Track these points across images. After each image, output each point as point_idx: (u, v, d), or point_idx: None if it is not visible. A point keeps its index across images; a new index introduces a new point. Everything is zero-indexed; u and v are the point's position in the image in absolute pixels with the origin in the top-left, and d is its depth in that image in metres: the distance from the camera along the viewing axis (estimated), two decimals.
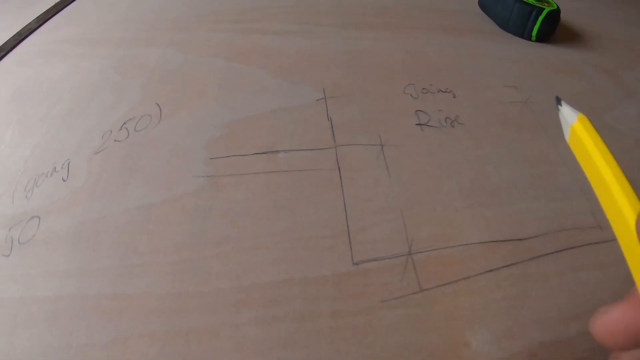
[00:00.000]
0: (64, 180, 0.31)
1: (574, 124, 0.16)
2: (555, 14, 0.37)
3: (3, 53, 0.44)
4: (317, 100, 0.33)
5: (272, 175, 0.27)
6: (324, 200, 0.25)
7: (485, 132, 0.30)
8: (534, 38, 0.39)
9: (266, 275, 0.22)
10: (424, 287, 0.20)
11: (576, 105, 0.17)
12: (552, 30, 0.38)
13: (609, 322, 0.14)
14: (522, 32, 0.39)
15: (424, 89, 0.34)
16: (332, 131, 0.30)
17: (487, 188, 0.24)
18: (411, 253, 0.21)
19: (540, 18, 0.37)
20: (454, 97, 0.34)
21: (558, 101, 0.18)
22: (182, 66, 0.38)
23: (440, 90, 0.35)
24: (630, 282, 0.13)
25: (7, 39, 0.46)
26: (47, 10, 0.49)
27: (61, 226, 0.28)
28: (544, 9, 0.37)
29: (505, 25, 0.41)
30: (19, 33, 0.46)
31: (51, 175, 0.31)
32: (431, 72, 0.36)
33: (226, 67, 0.37)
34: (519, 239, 0.22)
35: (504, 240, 0.22)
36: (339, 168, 0.27)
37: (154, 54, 0.39)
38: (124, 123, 0.33)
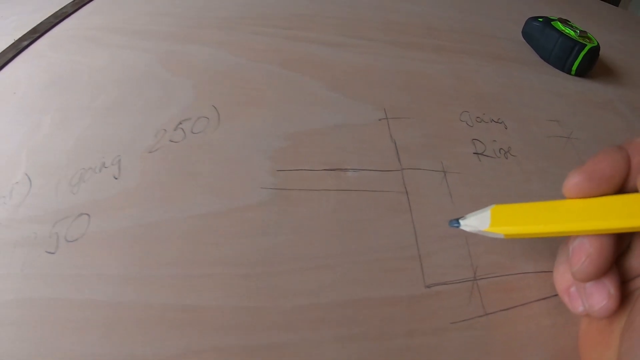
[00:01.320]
0: (116, 178, 0.29)
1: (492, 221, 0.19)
2: (595, 51, 0.39)
3: (36, 35, 0.42)
4: (379, 120, 0.33)
5: (342, 194, 0.27)
6: (394, 223, 0.26)
7: (534, 166, 0.31)
8: (573, 72, 0.40)
9: (344, 294, 0.22)
10: (488, 312, 0.21)
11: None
12: (591, 66, 0.39)
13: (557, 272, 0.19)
14: (563, 65, 0.41)
15: (477, 117, 0.35)
16: (397, 153, 0.30)
17: None
18: (476, 279, 0.22)
19: (582, 54, 0.39)
20: (506, 128, 0.34)
21: (453, 223, 0.20)
22: (233, 69, 0.37)
23: (492, 120, 0.35)
24: None
25: (41, 20, 0.44)
26: None
27: (115, 227, 0.27)
28: (585, 45, 0.39)
29: (547, 57, 0.42)
30: (54, 15, 0.44)
31: (100, 171, 0.30)
32: (482, 101, 0.37)
33: (280, 74, 0.36)
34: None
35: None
36: (406, 192, 0.27)
37: (202, 53, 0.39)
38: (179, 123, 0.32)
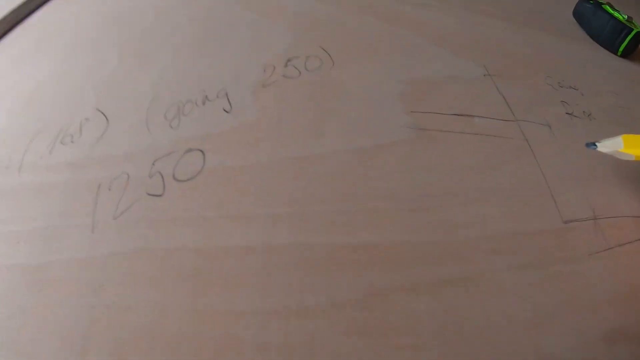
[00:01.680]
0: (227, 112, 0.24)
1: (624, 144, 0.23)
2: (639, 35, 0.42)
3: None
4: (484, 75, 0.32)
5: (475, 137, 0.26)
6: (524, 165, 0.26)
7: (612, 128, 0.31)
8: (619, 53, 0.43)
9: (506, 227, 0.22)
10: (610, 245, 0.23)
11: None
12: (635, 49, 0.43)
13: None
14: (611, 46, 0.44)
15: (559, 82, 0.35)
16: (509, 106, 0.29)
17: (627, 174, 0.28)
18: (596, 217, 0.24)
19: (630, 37, 0.42)
20: (582, 94, 0.35)
21: (590, 145, 0.24)
22: (328, 17, 0.32)
23: (571, 87, 0.36)
24: None
25: None
26: None
27: (245, 162, 0.21)
28: (632, 29, 0.42)
29: (597, 37, 0.45)
30: None
31: (203, 104, 0.24)
32: (558, 69, 0.37)
33: (380, 26, 0.32)
34: None
35: None
36: (526, 139, 0.27)
37: None
38: (288, 60, 0.27)
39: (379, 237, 0.20)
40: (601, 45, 0.44)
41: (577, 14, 0.47)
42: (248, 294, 0.18)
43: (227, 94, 0.25)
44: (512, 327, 0.19)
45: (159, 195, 0.21)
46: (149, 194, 0.21)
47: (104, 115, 0.25)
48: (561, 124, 0.30)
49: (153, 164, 0.22)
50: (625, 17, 0.43)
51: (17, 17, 0.33)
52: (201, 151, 0.22)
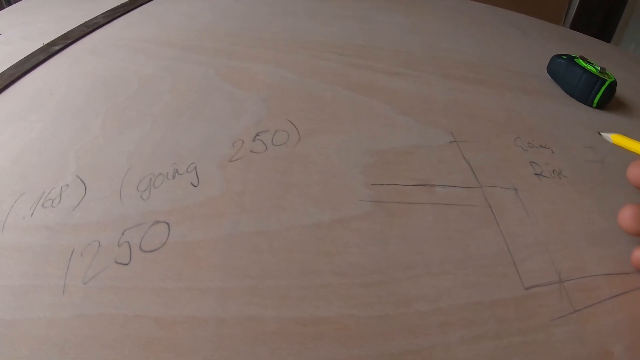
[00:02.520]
0: (194, 186, 0.27)
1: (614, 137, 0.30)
2: (613, 85, 0.44)
3: (68, 41, 0.40)
4: (449, 142, 0.33)
5: (436, 207, 0.28)
6: (486, 234, 0.27)
7: (582, 186, 0.33)
8: (595, 105, 0.45)
9: (460, 298, 0.23)
10: (576, 308, 0.24)
11: None
12: (609, 100, 0.44)
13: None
14: (586, 99, 0.45)
15: (529, 143, 0.37)
16: (474, 172, 0.31)
17: (597, 232, 0.29)
18: (561, 281, 0.25)
19: (603, 88, 0.44)
20: (553, 152, 0.37)
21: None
22: (300, 87, 0.36)
23: (541, 145, 0.38)
24: None
25: (71, 28, 0.41)
26: (114, 8, 0.45)
27: (204, 236, 0.24)
28: (606, 80, 0.43)
29: (571, 91, 0.46)
30: (84, 25, 0.42)
31: (173, 177, 0.27)
32: (528, 129, 0.39)
33: (350, 96, 0.36)
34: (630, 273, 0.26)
35: (620, 274, 0.26)
36: (489, 206, 0.29)
37: (264, 71, 0.37)
38: (257, 135, 0.30)
39: (328, 311, 0.21)
40: (577, 99, 0.45)
41: (551, 71, 0.49)
42: None
43: (195, 168, 0.28)
44: None
45: (126, 264, 0.23)
46: (117, 262, 0.24)
47: (83, 182, 0.28)
48: (528, 186, 0.31)
49: (123, 234, 0.25)
50: (598, 68, 0.44)
51: (14, 75, 0.37)
52: (167, 224, 0.25)
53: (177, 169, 0.28)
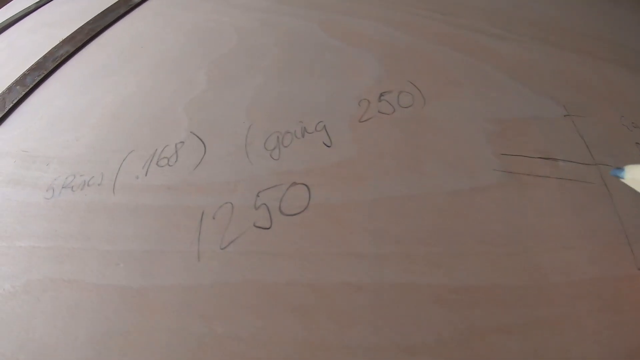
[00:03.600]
0: (328, 146, 0.24)
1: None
2: None
3: None
4: (564, 115, 0.32)
5: (560, 182, 0.26)
6: (602, 211, 0.26)
7: None
8: None
9: (590, 273, 0.22)
10: None
11: None
12: None
13: None
14: None
15: (632, 123, 0.35)
16: (588, 149, 0.30)
17: None
18: None
19: None
20: None
21: (618, 171, 0.23)
22: (409, 47, 0.33)
23: None
24: None
25: None
26: None
27: (349, 200, 0.22)
28: None
29: None
30: None
31: (303, 136, 0.25)
32: (630, 107, 0.37)
33: (461, 59, 0.33)
34: None
35: None
36: (605, 184, 0.28)
37: (368, 27, 0.34)
38: (381, 95, 0.27)
39: (478, 279, 0.20)
40: None
41: None
42: (358, 330, 0.19)
43: (325, 127, 0.25)
44: None
45: (267, 228, 0.21)
46: (257, 226, 0.21)
47: (200, 139, 0.25)
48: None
49: (258, 195, 0.22)
50: None
51: (95, 29, 0.34)
52: (305, 185, 0.22)
53: (305, 127, 0.25)
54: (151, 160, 0.25)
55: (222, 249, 0.21)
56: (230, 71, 0.30)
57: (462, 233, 0.22)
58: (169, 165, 0.24)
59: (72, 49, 0.32)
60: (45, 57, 0.32)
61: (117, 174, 0.25)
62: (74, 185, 0.25)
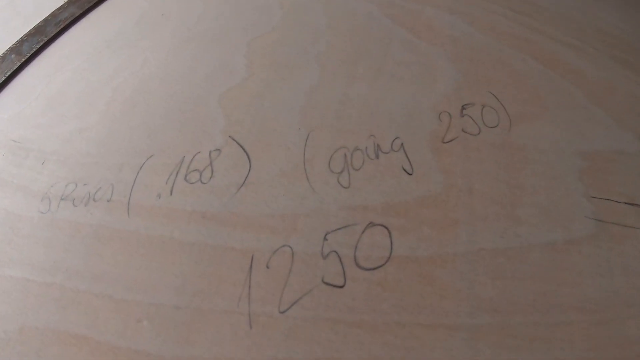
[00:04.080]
0: (409, 173, 0.19)
1: None
2: None
3: None
4: None
5: None
6: None
7: None
8: None
9: None
10: None
11: None
12: None
13: None
14: None
15: None
16: None
17: None
18: None
19: None
20: None
21: None
22: (488, 49, 0.27)
23: None
24: None
25: None
26: None
27: (440, 252, 0.17)
28: None
29: None
30: None
31: (376, 156, 0.20)
32: None
33: (542, 71, 0.28)
34: None
35: None
36: None
37: (439, 17, 0.29)
38: (463, 108, 0.22)
39: (571, 354, 0.18)
40: None
41: None
42: None
43: (403, 146, 0.20)
44: None
45: (340, 287, 0.16)
46: (326, 283, 0.16)
47: (242, 148, 0.20)
48: None
49: (325, 238, 0.17)
50: None
51: None
52: (386, 228, 0.17)
53: (378, 144, 0.20)
54: (177, 172, 0.20)
55: (281, 312, 0.16)
56: (275, 56, 0.24)
57: (558, 297, 0.19)
58: (202, 182, 0.19)
59: (78, 12, 0.25)
60: (46, 21, 0.25)
61: (133, 187, 0.19)
62: (75, 198, 0.19)
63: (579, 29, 0.37)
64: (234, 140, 0.21)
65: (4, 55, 0.24)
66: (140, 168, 0.20)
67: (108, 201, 0.20)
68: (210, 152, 0.20)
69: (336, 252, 0.17)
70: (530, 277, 0.18)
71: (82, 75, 0.25)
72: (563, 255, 0.20)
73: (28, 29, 0.26)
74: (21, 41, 0.24)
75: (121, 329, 0.17)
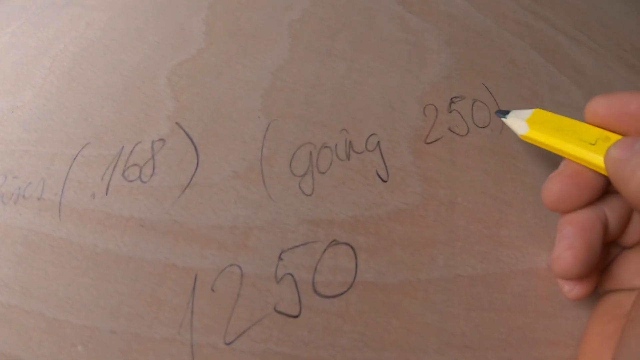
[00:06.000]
0: (384, 181, 0.17)
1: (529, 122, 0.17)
2: None
3: None
4: None
5: None
6: None
7: None
8: None
9: None
10: None
11: None
12: None
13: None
14: None
15: None
16: None
17: None
18: None
19: None
20: None
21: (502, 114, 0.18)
22: (486, 33, 0.25)
23: None
24: None
25: None
26: None
27: (410, 278, 0.16)
28: None
29: None
30: None
31: (347, 157, 0.19)
32: None
33: (541, 64, 0.26)
34: None
35: None
36: None
37: None
38: (451, 102, 0.20)
39: None
40: None
41: None
42: None
43: (379, 145, 0.17)
44: None
45: (295, 317, 0.14)
46: (278, 312, 0.14)
47: (191, 140, 0.17)
48: None
49: (280, 258, 0.15)
50: None
51: None
52: (352, 248, 0.15)
53: (350, 142, 0.17)
54: (115, 167, 0.17)
55: (227, 344, 0.14)
56: (240, 23, 0.21)
57: (535, 331, 0.17)
58: (142, 180, 0.17)
59: None
60: None
61: (65, 184, 0.17)
62: (4, 194, 0.17)
63: (584, 21, 0.34)
64: (181, 128, 0.18)
65: None
66: (74, 160, 0.18)
67: (38, 199, 0.17)
68: (153, 142, 0.18)
69: (292, 276, 0.15)
70: (507, 309, 0.17)
71: (20, 40, 0.21)
72: (545, 283, 0.18)
73: None
74: None
75: (55, 352, 0.15)
